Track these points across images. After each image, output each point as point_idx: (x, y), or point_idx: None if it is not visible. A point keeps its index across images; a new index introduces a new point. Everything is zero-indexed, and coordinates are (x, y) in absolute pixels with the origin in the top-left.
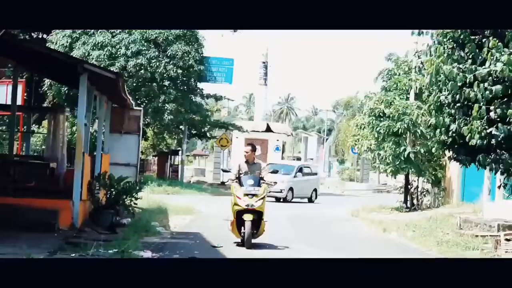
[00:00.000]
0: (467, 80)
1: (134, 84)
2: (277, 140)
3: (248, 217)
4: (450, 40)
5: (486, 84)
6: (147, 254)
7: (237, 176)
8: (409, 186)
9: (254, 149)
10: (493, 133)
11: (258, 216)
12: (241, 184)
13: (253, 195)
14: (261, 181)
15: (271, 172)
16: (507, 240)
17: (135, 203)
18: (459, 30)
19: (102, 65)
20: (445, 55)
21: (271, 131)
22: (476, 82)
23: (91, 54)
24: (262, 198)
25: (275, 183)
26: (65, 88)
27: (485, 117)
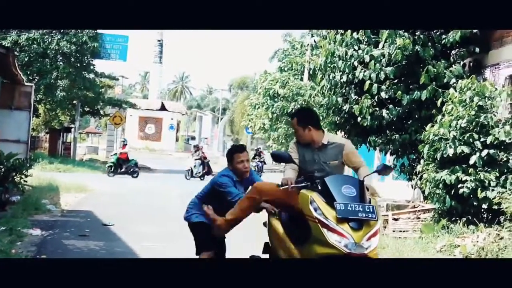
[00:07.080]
0: (362, 60)
1: (26, 59)
2: (172, 118)
3: None
4: None
5: (379, 65)
6: (36, 232)
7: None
8: None
9: (304, 122)
10: (383, 114)
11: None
12: (324, 194)
13: (361, 221)
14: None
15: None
16: (395, 219)
17: (25, 181)
18: None
19: None
20: (339, 38)
21: (166, 110)
22: (372, 61)
23: None
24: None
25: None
26: None
27: (376, 96)
